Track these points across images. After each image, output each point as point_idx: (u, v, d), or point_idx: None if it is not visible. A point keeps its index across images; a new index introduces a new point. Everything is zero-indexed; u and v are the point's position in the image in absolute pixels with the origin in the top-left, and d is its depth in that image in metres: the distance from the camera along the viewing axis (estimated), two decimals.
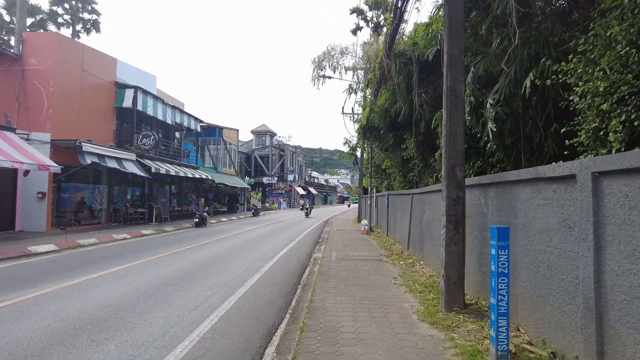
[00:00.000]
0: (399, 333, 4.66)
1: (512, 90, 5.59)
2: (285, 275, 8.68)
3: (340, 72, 13.64)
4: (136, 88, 20.20)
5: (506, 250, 3.84)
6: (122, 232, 16.40)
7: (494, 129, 5.85)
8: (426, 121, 10.33)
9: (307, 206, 35.25)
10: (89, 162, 15.88)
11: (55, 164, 13.38)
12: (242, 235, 17.02)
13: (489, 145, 6.27)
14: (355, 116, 17.25)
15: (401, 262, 9.67)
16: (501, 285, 3.79)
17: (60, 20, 31.01)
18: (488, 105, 5.96)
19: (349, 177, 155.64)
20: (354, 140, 17.18)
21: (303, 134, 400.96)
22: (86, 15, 31.70)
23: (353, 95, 14.97)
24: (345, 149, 17.43)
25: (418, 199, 10.39)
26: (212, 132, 33.25)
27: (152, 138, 20.40)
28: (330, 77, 18.64)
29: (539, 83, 5.13)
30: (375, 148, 19.47)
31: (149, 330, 4.96)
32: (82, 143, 15.85)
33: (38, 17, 29.81)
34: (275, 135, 62.45)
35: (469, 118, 6.60)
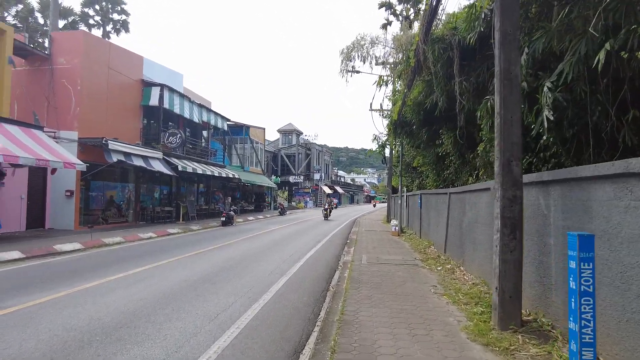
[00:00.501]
0: (447, 357, 3.94)
1: (580, 70, 4.74)
2: (313, 280, 8.06)
3: (370, 63, 12.90)
4: (162, 86, 20.11)
5: (591, 264, 3.06)
6: (149, 230, 16.26)
7: (551, 118, 5.01)
8: (465, 113, 9.50)
9: (327, 206, 28.60)
10: (115, 160, 15.81)
11: (80, 162, 13.30)
12: (269, 235, 16.56)
13: (544, 137, 5.44)
14: (385, 112, 16.49)
15: (439, 268, 8.87)
16: (585, 308, 3.02)
17: (91, 21, 31.66)
18: (545, 89, 5.13)
19: (375, 176, 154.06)
20: (384, 137, 16.40)
21: (329, 133, 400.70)
22: (115, 16, 32.26)
23: (383, 88, 14.19)
24: (374, 145, 16.75)
25: (457, 199, 9.55)
26: (239, 130, 33.10)
27: (178, 136, 20.28)
28: (358, 72, 17.92)
29: (613, 62, 4.29)
30: (406, 145, 18.61)
31: (163, 343, 4.44)
32: (109, 141, 15.79)
33: (70, 19, 30.51)
34: (302, 134, 62.11)
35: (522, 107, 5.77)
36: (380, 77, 13.09)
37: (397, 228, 16.66)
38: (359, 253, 11.10)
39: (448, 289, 6.80)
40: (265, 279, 8.01)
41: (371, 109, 22.51)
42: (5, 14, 27.68)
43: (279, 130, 61.57)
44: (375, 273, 8.18)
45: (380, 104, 17.22)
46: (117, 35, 33.14)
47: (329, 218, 27.92)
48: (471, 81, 8.46)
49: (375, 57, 12.98)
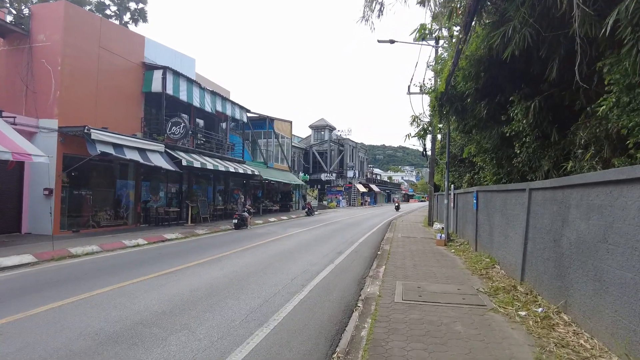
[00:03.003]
0: None
1: None
2: (306, 342, 4.77)
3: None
4: (165, 68, 17.50)
5: None
6: (141, 236, 13.61)
7: None
8: (560, 61, 5.98)
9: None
10: (98, 152, 13.23)
11: (41, 153, 10.74)
12: (280, 243, 13.44)
13: None
14: (428, 88, 12.95)
15: (522, 314, 5.34)
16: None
17: (108, 12, 29.88)
18: None
19: (414, 173, 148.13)
20: (425, 119, 12.87)
21: (365, 131, 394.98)
22: (132, 5, 30.31)
23: (424, 55, 10.59)
24: (412, 130, 13.14)
25: (550, 198, 5.94)
26: (262, 123, 30.30)
27: (182, 126, 17.60)
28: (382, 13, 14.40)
29: None
30: (453, 131, 14.88)
31: None
32: (91, 130, 13.24)
33: (87, 9, 28.81)
34: (335, 129, 58.79)
35: None
36: (421, 25, 9.56)
37: (442, 236, 13.02)
38: (392, 276, 7.70)
39: None
40: (233, 333, 4.82)
41: (409, 93, 18.97)
42: None
43: (310, 126, 58.63)
44: (416, 327, 4.78)
45: (421, 86, 13.61)
46: (135, 25, 31.27)
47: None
48: None
49: None
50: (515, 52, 6.39)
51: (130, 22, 31.10)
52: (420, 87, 13.17)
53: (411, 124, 12.41)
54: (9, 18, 18.44)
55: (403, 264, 9.22)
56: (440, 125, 13.52)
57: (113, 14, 30.42)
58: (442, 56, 12.90)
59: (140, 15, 30.71)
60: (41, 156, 10.49)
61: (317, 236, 15.82)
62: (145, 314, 5.43)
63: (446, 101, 10.92)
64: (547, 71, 6.51)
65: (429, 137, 22.75)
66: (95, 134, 13.41)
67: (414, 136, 12.43)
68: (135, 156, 15.05)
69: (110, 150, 13.93)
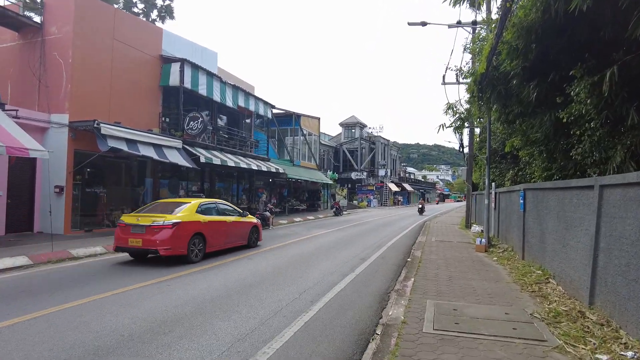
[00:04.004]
0: None
1: None
2: None
3: None
4: (183, 61, 16.74)
5: None
6: None
7: None
8: None
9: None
10: (108, 147, 12.55)
11: (40, 148, 10.06)
12: (300, 246, 12.26)
13: None
14: (465, 72, 11.36)
15: (603, 358, 3.84)
16: None
17: (135, 9, 29.84)
18: None
19: (450, 172, 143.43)
20: (462, 107, 11.27)
21: (398, 130, 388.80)
22: (159, 2, 30.12)
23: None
24: (447, 119, 11.52)
25: (633, 197, 4.38)
26: (288, 120, 29.28)
27: (199, 121, 16.78)
28: None
29: None
30: (494, 122, 13.16)
31: None
32: (101, 124, 12.58)
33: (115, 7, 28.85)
34: (365, 126, 57.13)
35: None
36: None
37: (483, 241, 11.39)
38: (422, 293, 6.30)
39: None
40: None
41: (444, 83, 17.39)
42: None
43: (340, 124, 57.29)
44: None
45: (458, 70, 12.03)
46: (162, 22, 31.09)
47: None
48: None
49: None
50: (585, 4, 4.88)
51: (158, 19, 30.98)
52: (457, 72, 11.63)
53: (446, 112, 10.87)
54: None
55: (436, 275, 7.78)
56: (479, 116, 11.89)
57: (140, 11, 30.38)
58: (481, 35, 11.26)
59: (167, 12, 30.54)
60: (39, 151, 9.81)
61: (342, 239, 14.52)
62: (106, 340, 4.36)
63: (487, 85, 9.38)
64: (629, 28, 4.93)
65: (466, 131, 20.96)
66: (106, 129, 12.74)
67: (448, 126, 10.88)
68: (150, 152, 14.33)
69: (122, 146, 13.24)
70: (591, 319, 4.88)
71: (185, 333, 4.60)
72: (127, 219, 9.27)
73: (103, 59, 14.23)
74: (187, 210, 9.38)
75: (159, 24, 30.86)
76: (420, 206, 32.97)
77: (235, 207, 11.94)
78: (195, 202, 9.99)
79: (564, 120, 7.17)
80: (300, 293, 6.50)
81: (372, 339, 4.54)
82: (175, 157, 15.38)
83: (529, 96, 8.09)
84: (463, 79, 12.33)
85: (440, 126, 10.60)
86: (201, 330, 4.72)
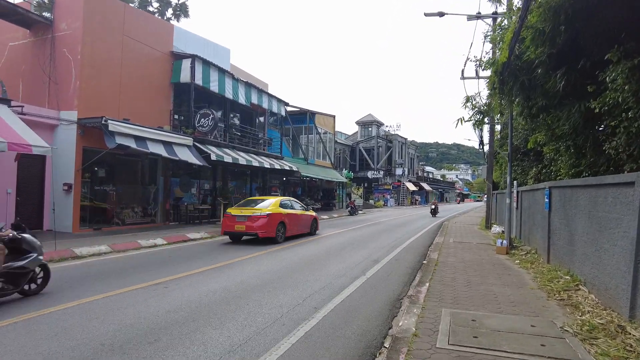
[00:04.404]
0: None
1: None
2: None
3: None
4: (194, 57, 16.48)
5: None
6: (163, 235, 12.60)
7: None
8: None
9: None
10: (115, 144, 12.35)
11: (43, 144, 9.84)
12: (309, 247, 11.78)
13: None
14: (485, 63, 10.65)
15: None
16: None
17: (150, 8, 29.90)
18: None
19: (469, 172, 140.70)
20: (482, 101, 10.54)
21: (417, 128, 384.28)
22: (174, 0, 30.08)
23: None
24: (465, 113, 10.73)
25: None
26: (302, 118, 28.86)
27: (210, 117, 16.49)
28: None
29: None
30: (516, 116, 12.39)
31: None
32: (109, 121, 12.39)
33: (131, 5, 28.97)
34: (382, 125, 56.27)
35: None
36: None
37: (504, 242, 10.69)
38: (437, 299, 5.73)
39: None
40: None
41: (463, 77, 16.69)
42: None
43: (357, 122, 56.59)
44: None
45: (477, 61, 11.37)
46: (177, 21, 31.10)
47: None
48: None
49: None
50: None
51: (173, 17, 31.00)
52: (477, 63, 10.93)
53: (464, 105, 10.20)
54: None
55: (453, 279, 7.18)
56: (501, 110, 11.18)
57: (155, 10, 30.43)
58: (503, 23, 10.54)
59: (181, 10, 30.51)
60: (43, 147, 9.60)
61: (355, 239, 13.97)
62: (84, 350, 3.97)
63: (509, 76, 8.70)
64: None
65: (486, 128, 20.11)
66: (114, 125, 12.54)
67: (467, 120, 10.19)
68: (159, 150, 14.10)
69: (130, 143, 13.03)
70: (634, 336, 4.24)
71: (171, 343, 4.17)
72: (233, 211, 12.43)
73: (113, 55, 14.07)
74: (273, 205, 12.49)
75: (173, 22, 30.87)
76: (433, 207, 28.80)
77: (302, 204, 15.05)
78: (277, 199, 13.24)
79: (596, 110, 6.50)
80: (305, 298, 6.02)
81: (379, 353, 4.03)
82: (186, 155, 15.12)
83: (555, 86, 7.43)
84: (483, 70, 11.61)
85: (458, 120, 9.92)
86: (187, 340, 4.27)
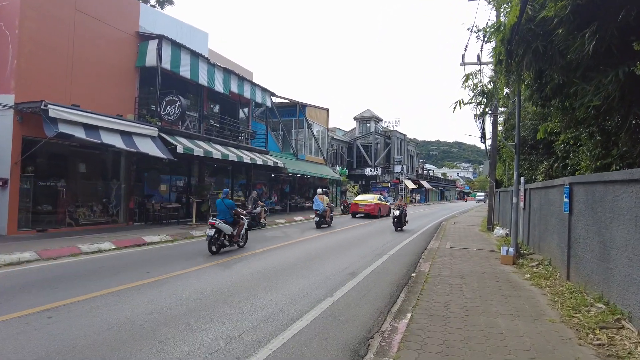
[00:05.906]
0: None
1: None
2: None
3: None
4: (161, 37, 14.66)
5: None
6: (114, 238, 10.84)
7: None
8: None
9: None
10: (54, 133, 10.56)
11: None
12: (278, 254, 10.01)
13: None
14: (489, 30, 8.86)
15: None
16: None
17: None
18: None
19: (470, 170, 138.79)
20: (485, 79, 8.73)
21: (418, 127, 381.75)
22: None
23: None
24: (465, 94, 8.90)
25: None
26: (292, 110, 27.04)
27: (177, 105, 14.66)
28: None
29: None
30: (524, 101, 10.57)
31: None
32: (50, 105, 10.62)
33: None
34: (381, 120, 54.36)
35: None
36: None
37: (510, 250, 8.89)
38: (419, 343, 3.94)
39: None
40: None
41: (463, 63, 14.83)
42: None
43: (355, 118, 54.69)
44: None
45: (481, 36, 9.53)
46: (161, 8, 29.33)
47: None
48: None
49: None
50: None
51: (157, 5, 29.20)
52: (480, 33, 9.14)
53: (463, 85, 8.38)
54: None
55: (445, 306, 5.39)
56: (507, 86, 9.35)
57: None
58: None
59: None
60: None
61: (337, 243, 12.20)
62: None
63: (518, 43, 6.87)
64: None
65: (488, 120, 18.29)
66: (56, 111, 10.77)
67: (467, 103, 8.34)
68: (114, 141, 12.31)
69: (77, 132, 11.25)
70: None
71: None
72: (356, 201, 24.16)
73: (62, 32, 12.26)
74: (375, 198, 24.41)
75: (158, 10, 29.06)
76: (397, 212, 16.46)
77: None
78: (376, 195, 25.91)
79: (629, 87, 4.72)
80: (229, 342, 4.23)
81: None
82: (148, 147, 13.33)
83: (582, 49, 5.60)
84: (486, 42, 9.78)
85: (456, 103, 8.04)
86: None
